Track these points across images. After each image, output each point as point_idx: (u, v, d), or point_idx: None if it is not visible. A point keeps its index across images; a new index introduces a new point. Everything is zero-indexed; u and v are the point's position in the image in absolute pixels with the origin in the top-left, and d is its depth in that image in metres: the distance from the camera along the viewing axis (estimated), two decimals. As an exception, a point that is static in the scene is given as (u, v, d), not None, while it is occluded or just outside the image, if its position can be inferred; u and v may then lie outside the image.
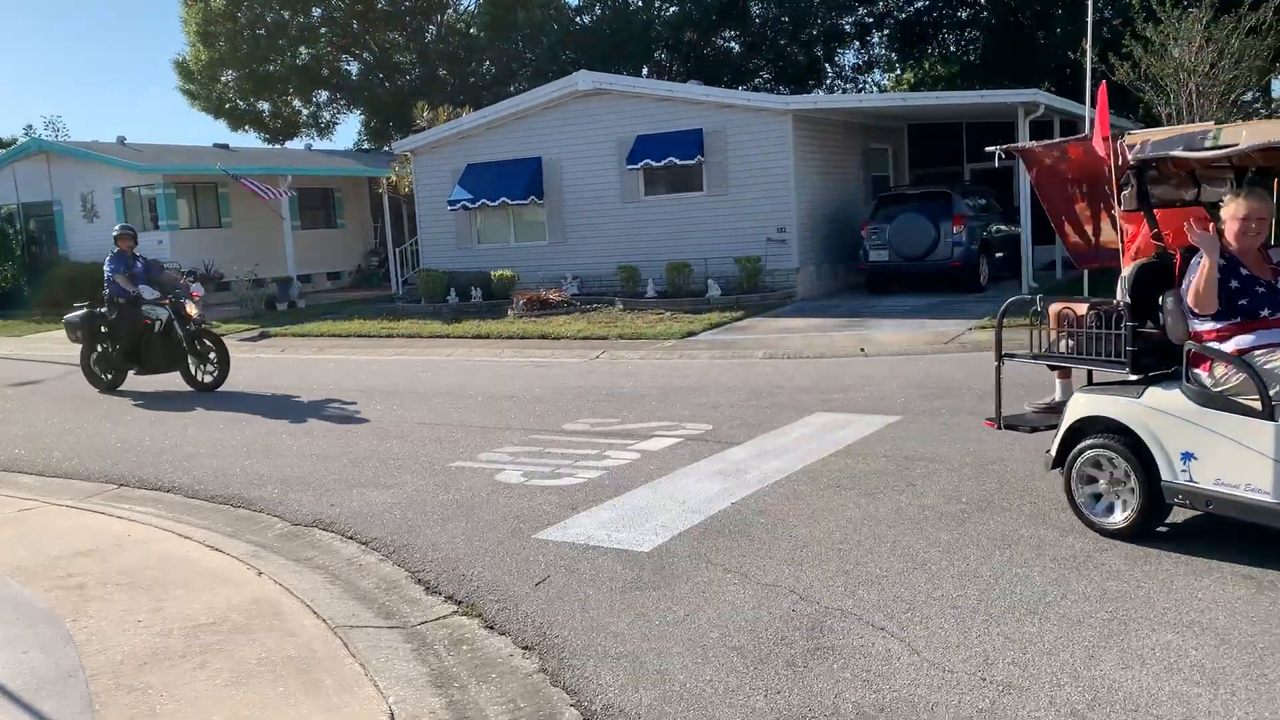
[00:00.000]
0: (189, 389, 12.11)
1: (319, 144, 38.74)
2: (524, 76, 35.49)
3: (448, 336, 16.51)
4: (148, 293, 11.96)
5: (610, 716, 3.82)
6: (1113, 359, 5.21)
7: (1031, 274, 17.38)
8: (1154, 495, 4.98)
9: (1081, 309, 5.41)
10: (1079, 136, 6.18)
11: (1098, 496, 5.30)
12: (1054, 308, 5.66)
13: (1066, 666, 3.92)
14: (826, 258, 19.05)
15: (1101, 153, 5.40)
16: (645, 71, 35.87)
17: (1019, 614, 4.41)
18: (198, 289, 12.49)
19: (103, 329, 12.22)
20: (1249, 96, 26.45)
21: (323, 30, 35.38)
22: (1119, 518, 5.18)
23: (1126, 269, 5.33)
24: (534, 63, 34.56)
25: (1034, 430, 5.99)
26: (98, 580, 5.47)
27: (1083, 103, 16.19)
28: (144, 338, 12.00)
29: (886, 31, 36.00)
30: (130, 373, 12.35)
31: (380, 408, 10.43)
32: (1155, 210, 5.40)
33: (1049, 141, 6.53)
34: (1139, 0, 20.08)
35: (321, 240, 27.52)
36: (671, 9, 36.22)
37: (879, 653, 4.14)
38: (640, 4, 36.45)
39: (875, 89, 39.96)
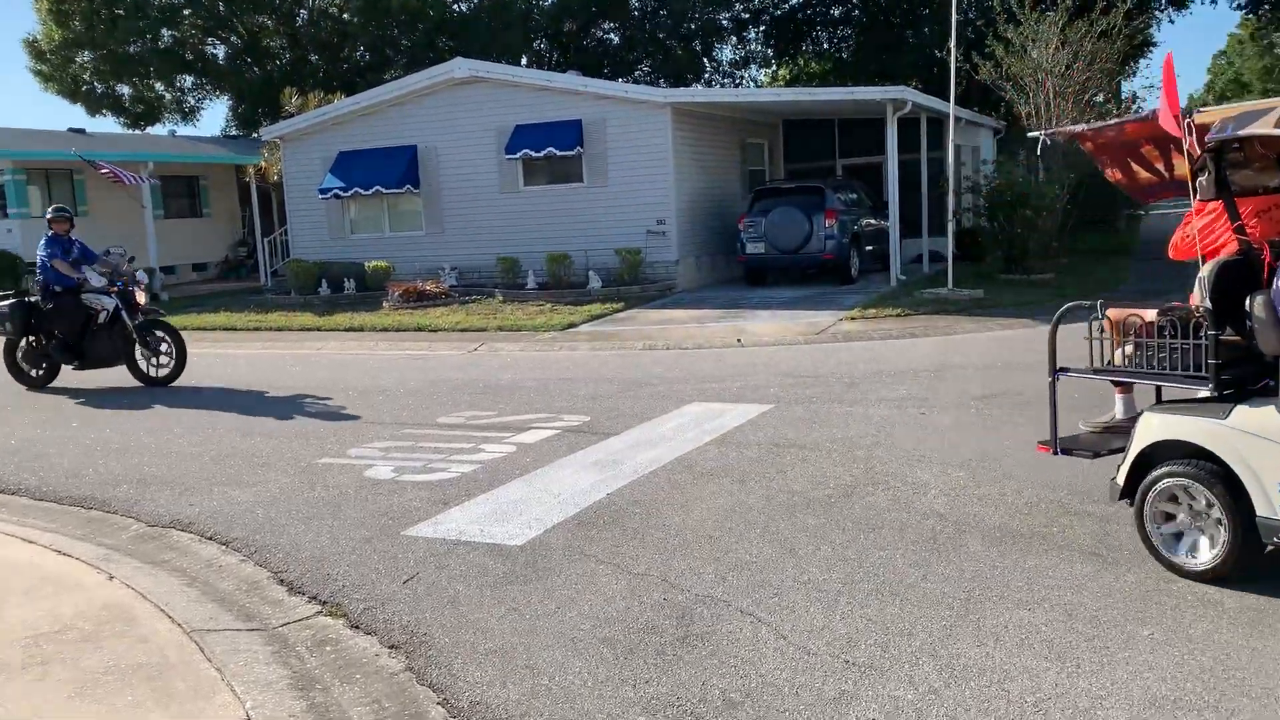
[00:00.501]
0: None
1: (184, 130, 37.20)
2: (399, 64, 34.71)
3: (319, 329, 16.08)
4: (95, 279, 10.91)
5: (477, 713, 3.76)
6: (1190, 374, 4.53)
7: (900, 267, 17.91)
8: (1247, 532, 4.30)
9: (1150, 315, 4.77)
10: (1138, 115, 5.33)
11: (1178, 535, 4.61)
12: (1116, 313, 4.98)
13: (925, 646, 4.04)
14: (705, 250, 19.24)
15: (1174, 131, 4.70)
16: (524, 61, 35.57)
17: (882, 596, 4.53)
18: (143, 276, 11.52)
19: (31, 320, 11.12)
20: (1100, 98, 27.88)
21: (186, 11, 33.89)
22: (1205, 558, 4.46)
23: (1205, 268, 4.62)
24: (410, 50, 33.86)
25: (1096, 456, 5.28)
26: (-71, 590, 5.12)
27: (948, 100, 16.75)
28: (86, 329, 11.01)
29: (763, 28, 36.56)
30: (69, 368, 11.32)
31: (246, 403, 10.06)
32: (1236, 199, 4.78)
33: (1101, 124, 5.86)
34: (1000, 2, 20.91)
35: (186, 230, 26.42)
36: (550, -1, 36.02)
37: (746, 638, 4.19)
38: (519, -8, 36.08)
39: (752, 84, 40.57)
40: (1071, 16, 19.49)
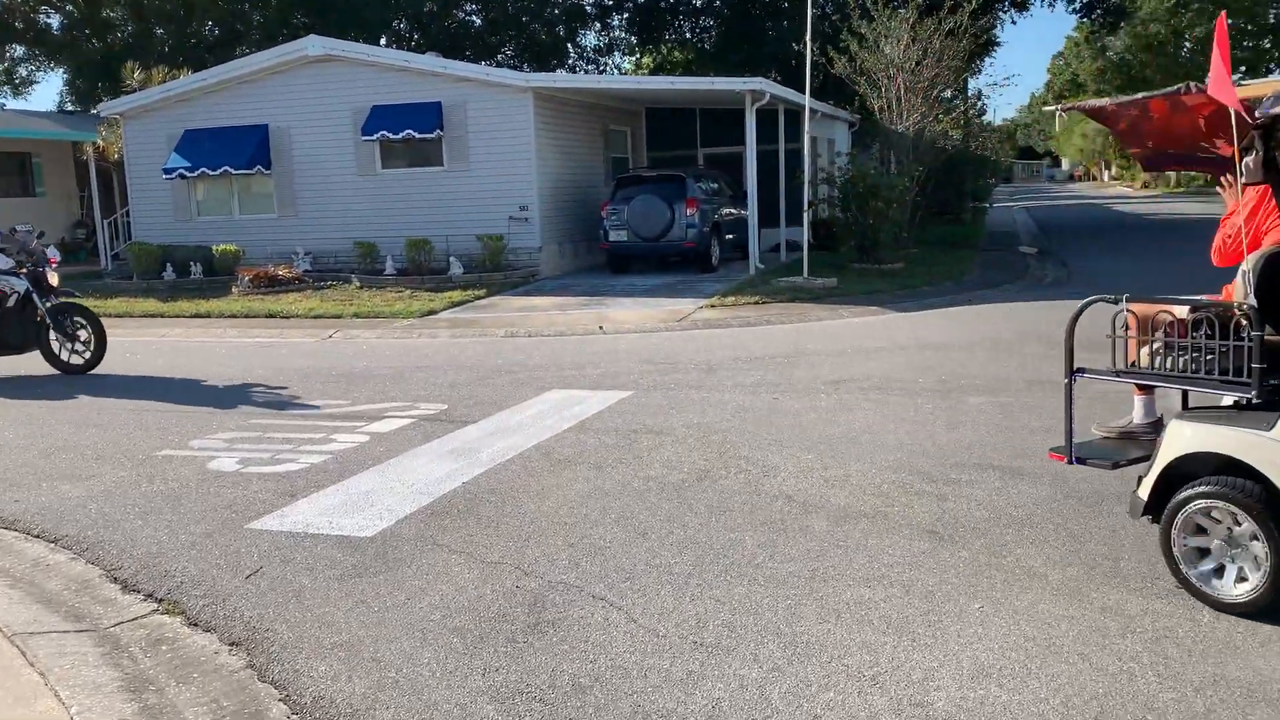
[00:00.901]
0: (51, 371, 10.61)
1: (13, 104, 34.89)
2: (252, 40, 33.42)
3: (162, 315, 15.37)
4: (1, 261, 10.13)
5: (321, 708, 3.67)
6: (1231, 379, 4.06)
7: (759, 255, 18.27)
8: None
9: (1181, 311, 4.32)
10: (1171, 90, 4.92)
11: (1211, 561, 4.13)
12: (1142, 308, 4.45)
13: (770, 625, 4.14)
14: (569, 237, 19.20)
15: (1228, 101, 4.36)
16: (384, 40, 34.69)
17: (730, 577, 4.62)
18: (54, 254, 10.63)
19: None
20: (949, 94, 29.04)
21: (15, -24, 31.78)
22: (1241, 590, 4.01)
23: (1248, 260, 4.24)
24: (263, 25, 32.61)
25: (1116, 466, 4.74)
26: None
27: (804, 92, 17.14)
28: None
29: (626, 15, 36.63)
30: None
31: (81, 393, 9.53)
32: None
33: (1125, 99, 5.36)
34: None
35: (17, 210, 24.69)
36: (411, -23, 35.16)
37: (597, 623, 4.21)
38: (378, -30, 35.11)
39: (616, 71, 40.64)
40: (921, 14, 20.24)
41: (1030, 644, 3.89)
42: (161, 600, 4.70)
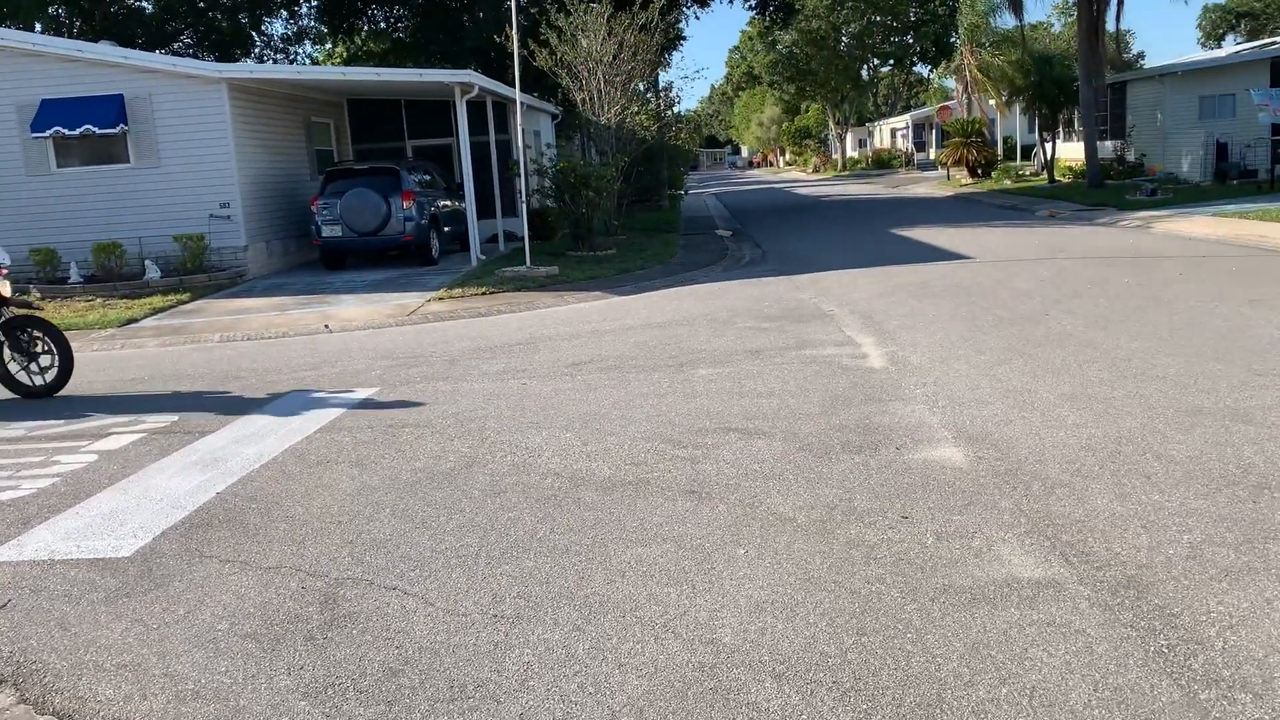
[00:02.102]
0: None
1: None
2: None
3: None
4: None
5: (118, 731, 3.53)
6: None
7: (479, 246, 18.39)
8: None
9: None
10: None
11: None
12: None
13: (563, 591, 4.40)
14: (277, 234, 18.41)
15: None
16: (39, 28, 31.38)
17: (516, 553, 4.83)
18: (3, 259, 8.83)
19: None
20: (643, 86, 30.34)
21: None
22: None
23: None
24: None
25: None
26: None
27: (510, 84, 17.39)
28: None
29: (315, 3, 35.28)
30: None
31: None
32: None
33: None
34: (550, -8, 22.05)
35: None
36: (66, -42, 32.02)
37: (395, 611, 4.29)
38: (25, -51, 31.63)
39: (308, 60, 39.03)
40: (615, 9, 21.05)
41: (792, 579, 4.39)
42: (-108, 649, 4.26)
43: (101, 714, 3.63)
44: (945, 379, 7.77)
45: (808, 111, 77.48)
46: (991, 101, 39.69)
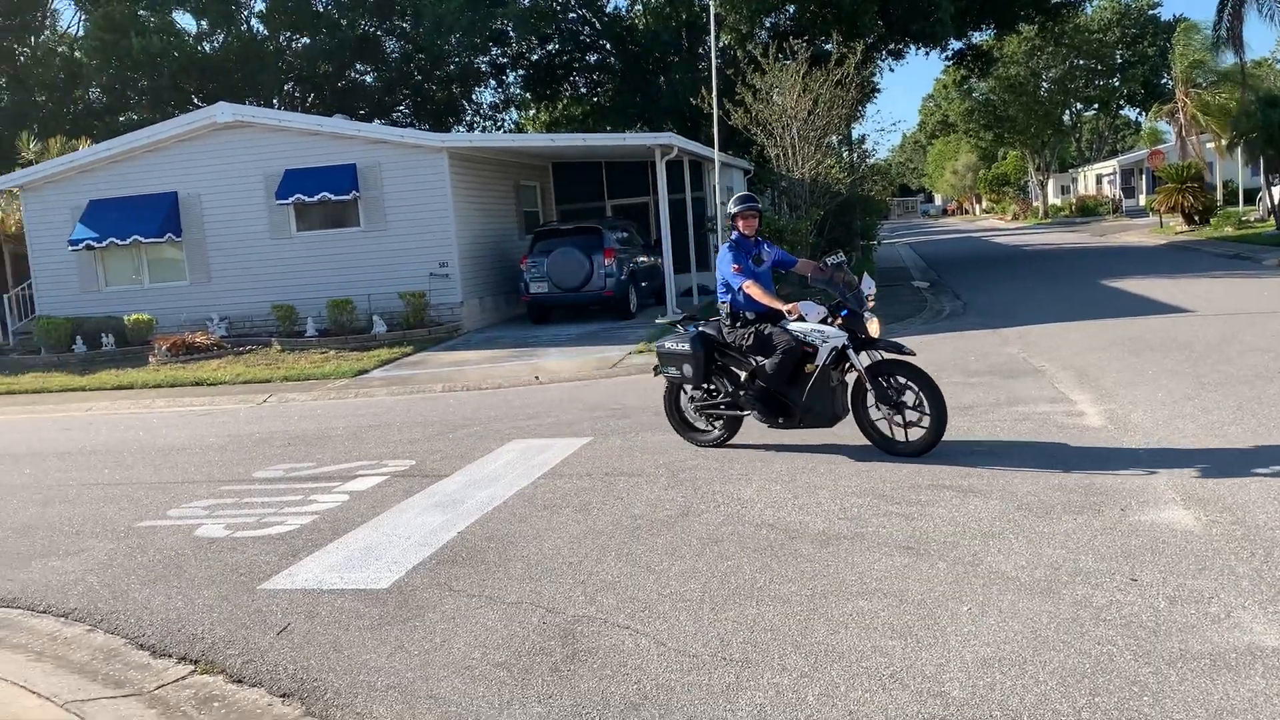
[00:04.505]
0: None
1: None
2: (139, 106, 32.93)
3: (83, 389, 15.08)
4: (812, 311, 7.61)
5: (393, 745, 3.94)
6: None
7: (675, 301, 18.89)
8: None
9: None
10: None
11: None
12: None
13: (787, 638, 4.57)
14: (488, 290, 19.52)
15: None
16: (276, 103, 34.58)
17: (739, 599, 5.04)
18: (870, 288, 7.84)
19: (715, 358, 8.27)
20: (836, 140, 30.44)
21: (-114, 46, 30.70)
22: None
23: None
24: (152, 91, 32.15)
25: None
26: None
27: (704, 142, 17.92)
28: (797, 375, 7.80)
29: (521, 72, 37.31)
30: (760, 424, 8.15)
31: (30, 471, 9.43)
32: None
33: None
34: (744, 53, 22.59)
35: (-100, 287, 23.82)
36: (302, 40, 35.22)
37: (630, 649, 4.58)
38: (268, 34, 35.10)
39: (513, 126, 41.21)
40: (810, 67, 21.36)
41: (1019, 637, 4.41)
42: (197, 661, 4.87)
43: (379, 728, 4.05)
44: (1170, 438, 7.50)
45: (1005, 158, 75.31)
46: (1210, 144, 37.54)
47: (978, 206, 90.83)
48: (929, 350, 13.20)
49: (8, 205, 20.97)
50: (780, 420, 7.87)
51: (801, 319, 7.56)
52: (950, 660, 4.23)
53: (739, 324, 7.94)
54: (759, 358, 7.80)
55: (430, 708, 4.19)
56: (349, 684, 4.46)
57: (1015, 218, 67.25)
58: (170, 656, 4.96)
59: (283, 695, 4.45)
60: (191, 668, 4.82)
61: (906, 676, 4.12)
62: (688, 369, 8.14)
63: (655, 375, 8.69)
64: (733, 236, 8.13)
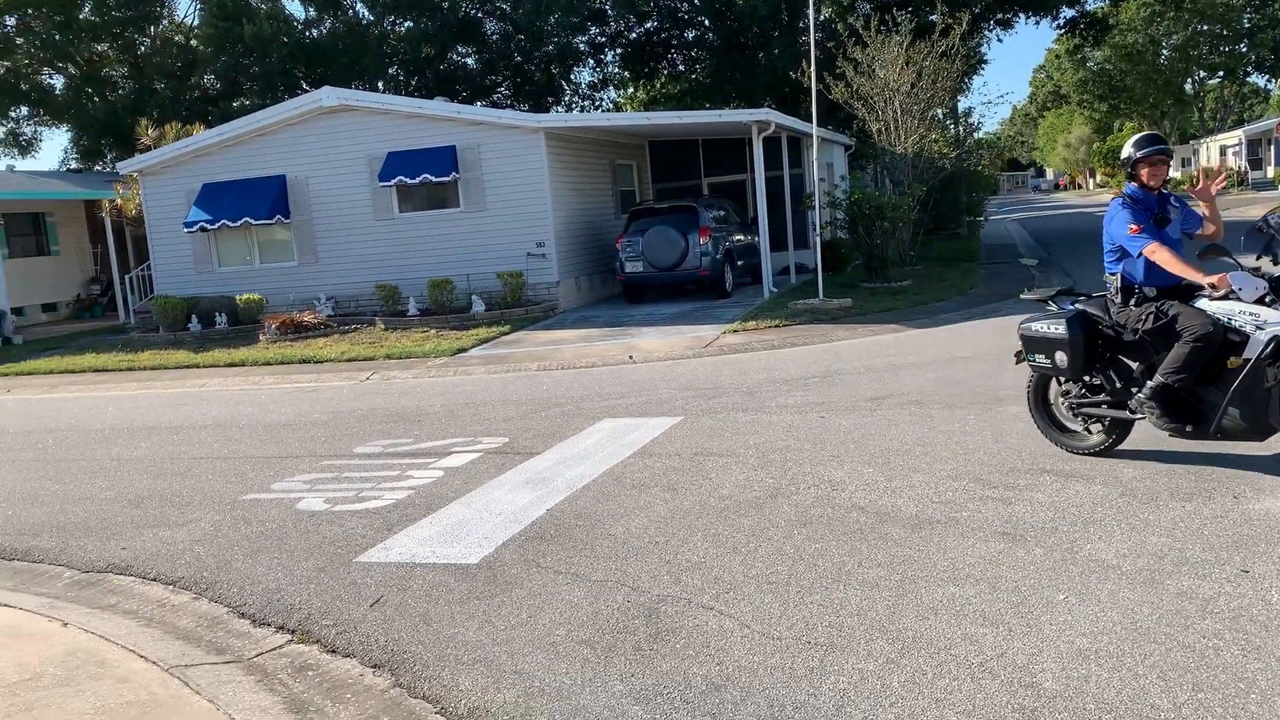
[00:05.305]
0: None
1: (21, 164, 35.36)
2: (252, 91, 34.01)
3: (197, 366, 15.69)
4: (1247, 285, 5.76)
5: (477, 717, 4.00)
6: None
7: (771, 280, 18.69)
8: None
9: None
10: None
11: None
12: None
13: (874, 623, 4.48)
14: (584, 270, 19.63)
15: None
16: (380, 86, 35.32)
17: (826, 583, 4.97)
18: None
19: (1098, 346, 6.86)
20: (941, 113, 29.66)
21: (19, 41, 32.29)
22: None
23: None
24: (264, 77, 33.16)
25: None
26: None
27: (803, 118, 17.62)
28: (1218, 368, 6.15)
29: (619, 51, 37.30)
30: (1161, 432, 6.59)
31: (146, 445, 9.87)
32: None
33: None
34: (845, 26, 22.14)
35: (34, 269, 25.16)
36: (405, 24, 35.85)
37: (714, 630, 4.55)
38: (372, 19, 35.83)
39: (611, 105, 41.28)
40: (914, 38, 20.81)
41: (1118, 628, 4.24)
42: (294, 631, 5.03)
43: (464, 702, 4.12)
44: (1291, 423, 7.10)
45: (1121, 130, 72.36)
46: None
47: (1091, 181, 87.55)
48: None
49: (128, 189, 21.89)
50: (1189, 429, 6.06)
51: (1229, 296, 5.79)
52: (1044, 650, 4.10)
53: (1134, 301, 6.25)
54: (1160, 345, 6.12)
55: (514, 682, 4.24)
56: (436, 656, 4.55)
57: (1131, 192, 64.49)
58: (269, 625, 5.14)
59: (374, 666, 4.56)
60: (289, 637, 4.98)
61: (997, 666, 4.01)
62: (1061, 357, 6.46)
63: (1018, 363, 7.06)
64: (1127, 190, 6.41)
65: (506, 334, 16.16)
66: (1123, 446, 6.68)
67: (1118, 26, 48.99)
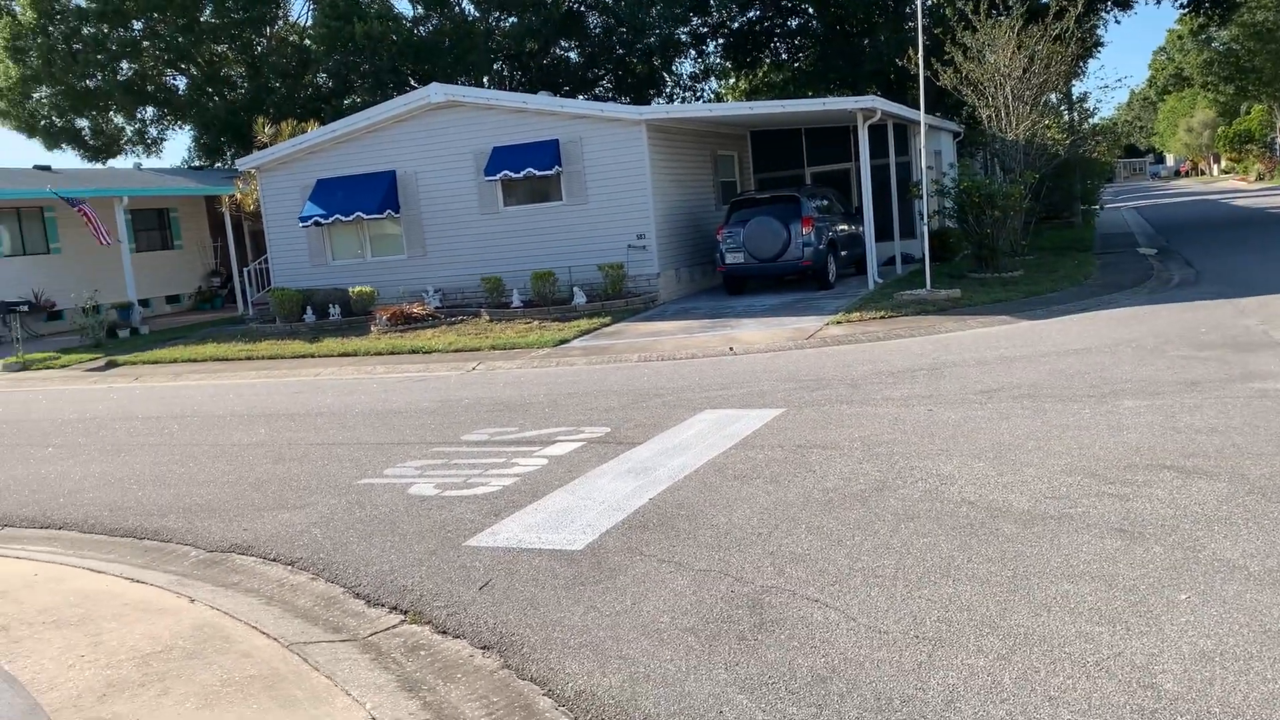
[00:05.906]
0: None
1: (147, 162, 37.03)
2: (362, 89, 34.88)
3: (312, 356, 16.22)
4: None
5: (583, 701, 4.06)
6: None
7: (876, 270, 18.40)
8: None
9: None
10: None
11: None
12: None
13: (985, 619, 4.40)
14: (684, 261, 19.64)
15: None
16: (486, 81, 35.86)
17: (934, 578, 4.89)
18: None
19: None
20: (1055, 98, 28.69)
21: (145, 44, 33.80)
22: None
23: None
24: (374, 74, 34.02)
25: None
26: (19, 621, 5.32)
27: (909, 105, 17.25)
28: None
29: (721, 41, 37.12)
30: None
31: (265, 431, 10.26)
32: None
33: None
34: (954, 11, 21.56)
35: (159, 262, 26.40)
36: (510, 20, 36.32)
37: (819, 622, 4.53)
38: (478, 15, 36.40)
39: (713, 96, 41.12)
40: (1026, 22, 20.19)
41: (1245, 630, 4.07)
42: (406, 612, 5.17)
43: (570, 685, 4.19)
44: None
45: (1249, 113, 68.96)
46: None
47: (1215, 166, 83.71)
48: (1153, 321, 12.34)
49: (246, 185, 22.74)
50: None
51: None
52: (1164, 650, 3.96)
53: None
54: None
55: (620, 667, 4.29)
56: (543, 639, 4.63)
57: (1260, 178, 61.54)
58: (383, 606, 5.30)
59: (483, 647, 4.66)
60: (401, 617, 5.13)
61: (1114, 665, 3.89)
62: None
63: None
64: None
65: (607, 325, 16.28)
66: (1248, 444, 6.40)
67: (1246, 4, 46.62)
